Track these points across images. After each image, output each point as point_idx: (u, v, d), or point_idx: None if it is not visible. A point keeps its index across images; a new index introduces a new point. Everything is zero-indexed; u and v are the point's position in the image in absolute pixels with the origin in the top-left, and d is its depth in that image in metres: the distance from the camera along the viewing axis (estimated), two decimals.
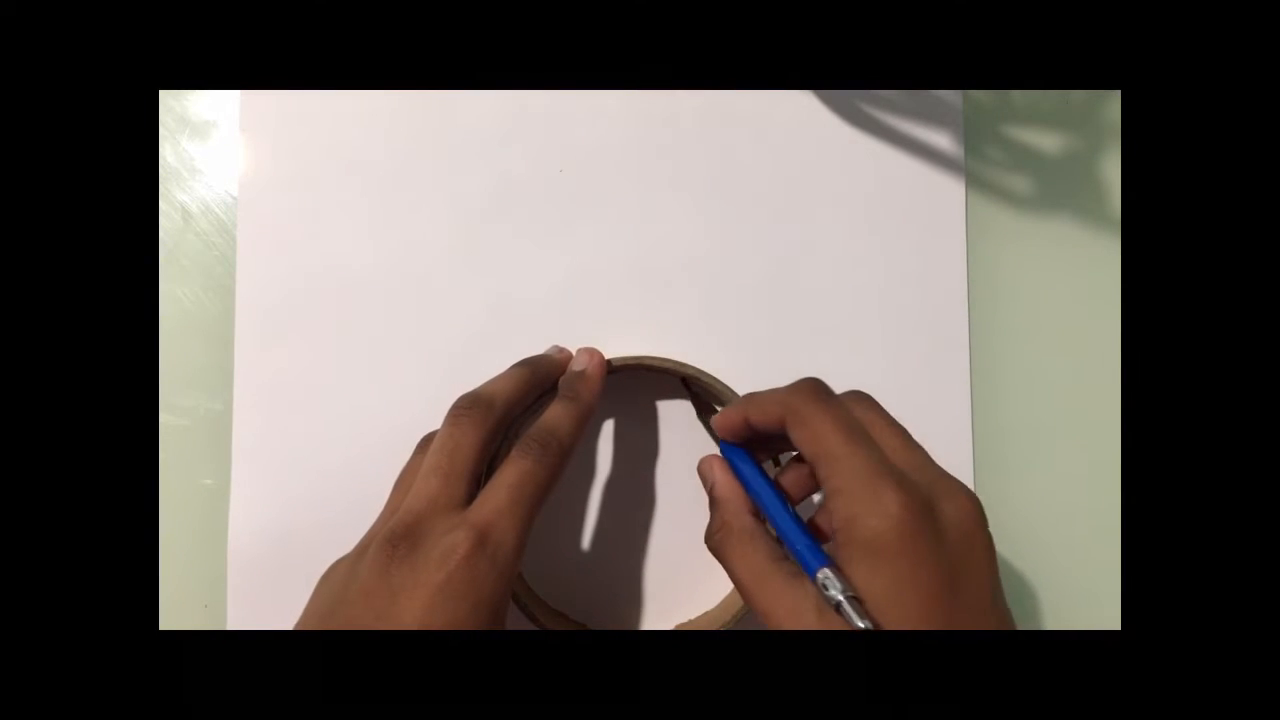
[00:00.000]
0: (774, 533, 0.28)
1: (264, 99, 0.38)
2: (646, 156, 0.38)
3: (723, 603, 0.35)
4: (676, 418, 0.37)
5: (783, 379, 0.37)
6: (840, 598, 0.25)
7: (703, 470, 0.31)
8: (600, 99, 0.38)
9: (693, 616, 0.36)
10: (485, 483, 0.29)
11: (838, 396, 0.29)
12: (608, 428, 0.37)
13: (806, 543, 0.27)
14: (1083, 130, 0.39)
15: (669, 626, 0.36)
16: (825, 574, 0.25)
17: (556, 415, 0.31)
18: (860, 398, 0.30)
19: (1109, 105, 0.39)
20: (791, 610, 0.26)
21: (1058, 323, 0.38)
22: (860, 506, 0.25)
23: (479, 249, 0.38)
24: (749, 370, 0.37)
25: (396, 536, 0.27)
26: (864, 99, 0.38)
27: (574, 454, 0.31)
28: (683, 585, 0.36)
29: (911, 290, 0.38)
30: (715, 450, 0.32)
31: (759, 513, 0.29)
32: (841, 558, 0.26)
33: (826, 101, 0.38)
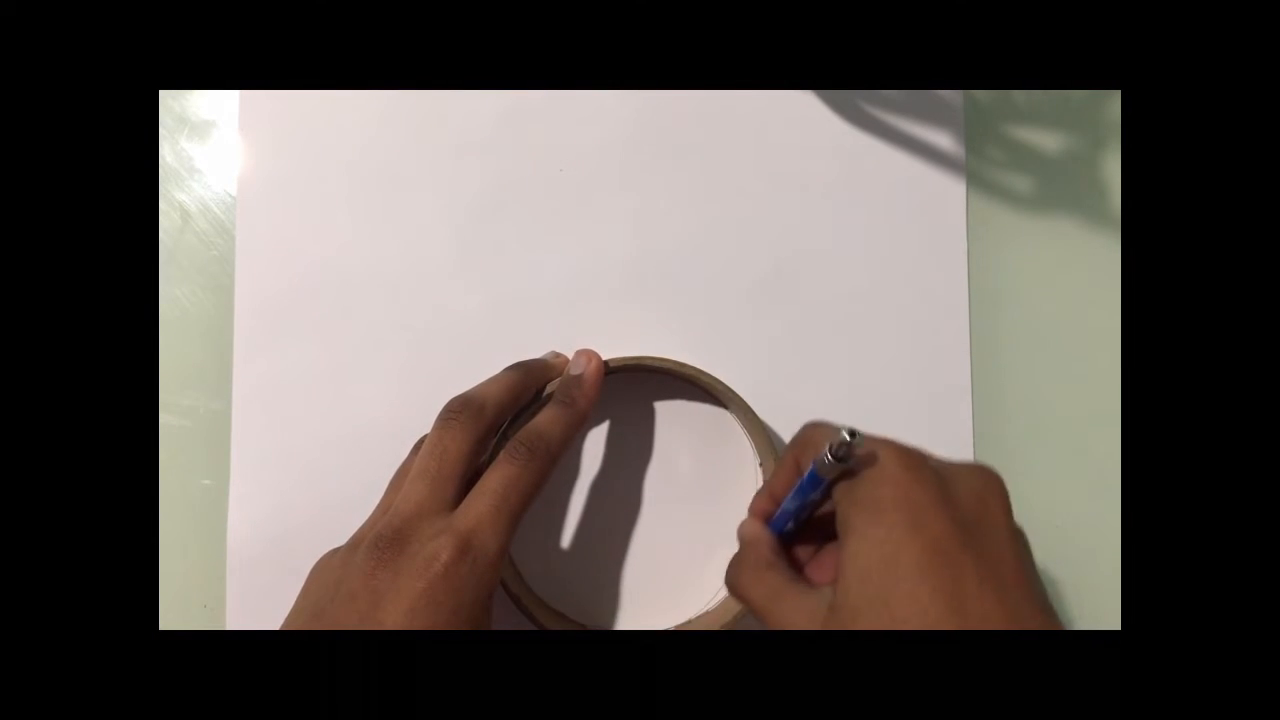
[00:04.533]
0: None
1: (263, 99, 0.38)
2: (646, 156, 0.38)
3: (723, 603, 0.35)
4: (676, 417, 0.37)
5: (782, 378, 0.37)
6: (829, 457, 0.24)
7: (739, 533, 0.31)
8: (600, 99, 0.38)
9: (692, 616, 0.36)
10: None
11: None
12: (607, 428, 0.37)
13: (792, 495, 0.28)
14: (1083, 130, 0.39)
15: (668, 626, 0.36)
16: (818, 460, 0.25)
17: (549, 419, 0.31)
18: None
19: (1109, 105, 0.39)
20: (808, 613, 0.25)
21: (1058, 323, 0.38)
22: (857, 472, 0.25)
23: (478, 248, 0.38)
24: (749, 370, 0.37)
25: (383, 540, 0.27)
26: (864, 99, 0.38)
27: (563, 459, 0.31)
28: (683, 585, 0.36)
29: (911, 290, 0.38)
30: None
31: (780, 552, 0.29)
32: (840, 524, 0.25)
33: (827, 101, 0.38)
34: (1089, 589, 0.37)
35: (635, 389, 0.37)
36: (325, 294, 0.37)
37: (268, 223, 0.38)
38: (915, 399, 0.37)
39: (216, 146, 0.38)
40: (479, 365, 0.34)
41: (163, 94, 0.38)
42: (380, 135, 0.38)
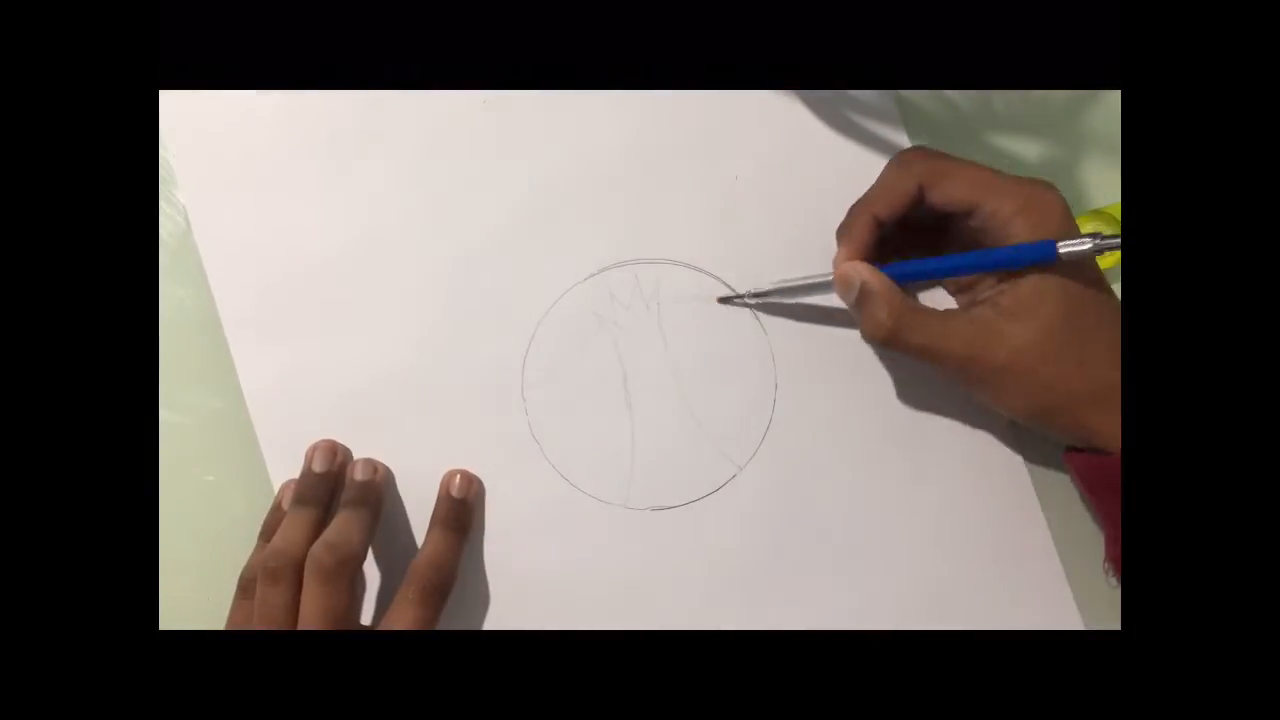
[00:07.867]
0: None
1: (259, 98, 0.38)
2: (641, 157, 0.38)
3: None
4: (678, 417, 0.37)
5: (781, 378, 0.37)
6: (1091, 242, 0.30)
7: (847, 274, 0.32)
8: (591, 99, 0.38)
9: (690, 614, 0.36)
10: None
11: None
12: (609, 427, 0.37)
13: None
14: (1079, 132, 0.39)
15: (672, 627, 0.36)
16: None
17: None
18: None
19: (1100, 108, 0.39)
20: (965, 341, 0.30)
21: None
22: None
23: (475, 245, 0.38)
24: (751, 369, 0.37)
25: None
26: (862, 99, 0.38)
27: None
28: (686, 585, 0.36)
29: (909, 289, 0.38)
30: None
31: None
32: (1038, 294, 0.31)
33: (824, 102, 0.38)
34: (1089, 589, 0.37)
35: (637, 388, 0.37)
36: (322, 290, 0.38)
37: (263, 221, 0.38)
38: (915, 400, 0.37)
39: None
40: (475, 359, 0.34)
41: (163, 94, 0.39)
42: (372, 133, 0.38)
